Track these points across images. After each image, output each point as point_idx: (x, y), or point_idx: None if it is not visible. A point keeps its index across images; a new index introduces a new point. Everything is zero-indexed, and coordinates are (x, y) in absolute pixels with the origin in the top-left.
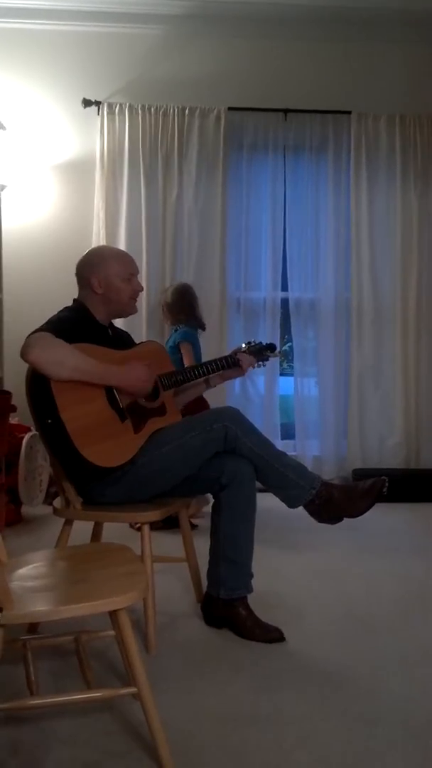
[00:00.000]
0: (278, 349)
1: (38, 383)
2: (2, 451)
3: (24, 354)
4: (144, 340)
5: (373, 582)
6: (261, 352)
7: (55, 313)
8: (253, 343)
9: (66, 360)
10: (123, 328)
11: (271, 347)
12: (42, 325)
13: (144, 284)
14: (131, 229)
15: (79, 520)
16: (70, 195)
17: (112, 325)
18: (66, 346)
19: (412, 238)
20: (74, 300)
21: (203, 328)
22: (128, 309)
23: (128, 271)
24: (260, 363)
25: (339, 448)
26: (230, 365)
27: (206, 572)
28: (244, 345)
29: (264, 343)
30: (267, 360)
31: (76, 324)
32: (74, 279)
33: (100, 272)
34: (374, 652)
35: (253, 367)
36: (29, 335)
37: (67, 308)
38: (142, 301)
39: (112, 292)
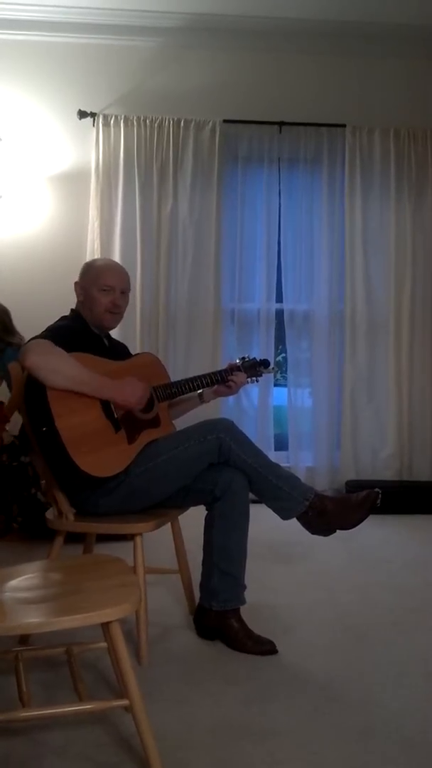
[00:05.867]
0: (272, 365)
1: (34, 391)
2: None
3: (22, 359)
4: (139, 352)
5: (366, 594)
6: (254, 367)
7: (50, 322)
8: (247, 359)
9: (63, 368)
10: (118, 339)
11: (264, 363)
12: (42, 332)
13: (137, 295)
14: (126, 240)
15: (71, 531)
16: (65, 206)
17: (108, 335)
18: (64, 354)
19: (406, 250)
20: (71, 309)
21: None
22: (103, 321)
23: (105, 282)
24: (253, 379)
25: (332, 460)
26: (223, 380)
27: (199, 584)
28: (238, 360)
29: (258, 359)
30: (260, 376)
31: (74, 333)
32: (68, 290)
33: (82, 280)
34: (368, 664)
35: (247, 383)
36: (28, 341)
37: (64, 317)
38: (136, 312)
39: (88, 300)
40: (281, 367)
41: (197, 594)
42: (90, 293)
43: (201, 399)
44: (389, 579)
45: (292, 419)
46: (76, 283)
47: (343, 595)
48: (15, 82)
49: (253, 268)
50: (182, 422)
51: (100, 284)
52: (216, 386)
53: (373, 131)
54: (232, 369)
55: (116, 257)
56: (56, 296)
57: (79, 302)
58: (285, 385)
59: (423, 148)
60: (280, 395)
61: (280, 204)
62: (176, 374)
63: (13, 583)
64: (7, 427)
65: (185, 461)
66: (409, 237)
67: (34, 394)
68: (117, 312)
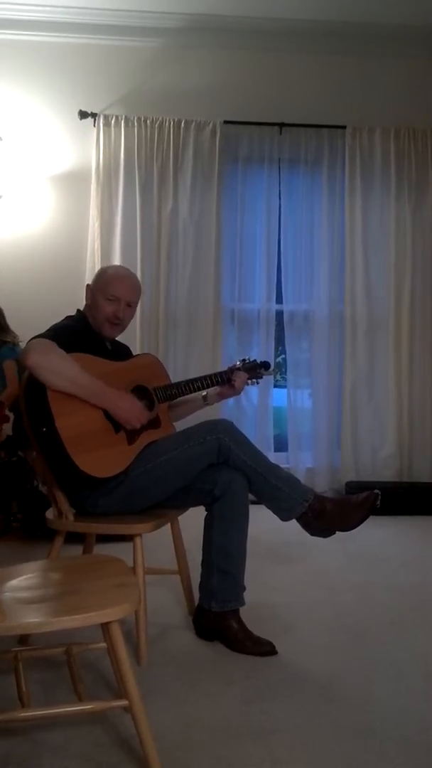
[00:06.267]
0: (272, 368)
1: (34, 390)
2: None
3: (23, 358)
4: (140, 353)
5: (365, 594)
6: (255, 369)
7: (50, 322)
8: (247, 361)
9: (64, 370)
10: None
11: (265, 365)
12: (44, 332)
13: None
14: (126, 240)
15: (71, 531)
16: (66, 206)
17: None
18: (65, 356)
19: (406, 250)
20: (78, 310)
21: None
22: (103, 329)
23: (112, 292)
24: (254, 380)
25: (332, 460)
26: (224, 381)
27: (198, 584)
28: (238, 362)
29: (258, 361)
30: (261, 378)
31: (76, 334)
32: (69, 289)
33: (93, 284)
34: (367, 664)
35: (248, 385)
36: (30, 340)
37: (69, 317)
38: (136, 312)
39: (93, 306)
40: (281, 368)
41: (197, 594)
42: (96, 299)
43: (205, 400)
44: (388, 579)
45: (291, 420)
46: (87, 286)
47: (343, 595)
48: (16, 82)
49: (253, 269)
50: (185, 423)
51: (107, 293)
52: (219, 388)
53: (373, 131)
54: (233, 370)
55: (116, 257)
56: (56, 296)
57: (87, 305)
58: (284, 387)
59: (423, 148)
60: (279, 396)
61: (280, 205)
62: (176, 374)
63: (13, 582)
64: (3, 426)
65: (185, 462)
66: (409, 237)
67: (34, 394)
68: (117, 323)
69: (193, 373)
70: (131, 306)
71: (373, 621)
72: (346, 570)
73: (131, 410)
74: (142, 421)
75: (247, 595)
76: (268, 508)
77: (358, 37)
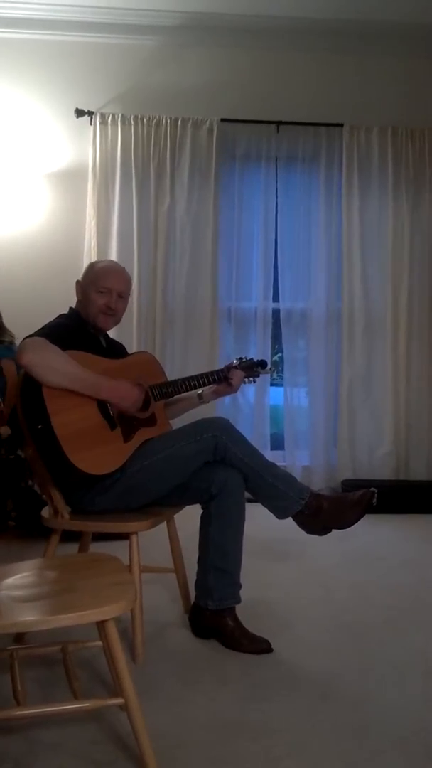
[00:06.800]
0: (269, 366)
1: (30, 388)
2: None
3: (18, 357)
4: (136, 351)
5: (361, 593)
6: (252, 368)
7: (47, 320)
8: (244, 359)
9: (59, 366)
10: (114, 338)
11: (262, 364)
12: (38, 330)
13: (134, 293)
14: (123, 238)
15: (67, 530)
16: (63, 204)
17: (106, 334)
18: (60, 352)
19: (403, 249)
20: (70, 308)
21: None
22: (96, 322)
23: (103, 284)
24: (251, 379)
25: (329, 459)
26: (221, 380)
27: (194, 582)
28: (235, 360)
29: (255, 360)
30: (258, 376)
31: (70, 331)
32: (65, 288)
33: (82, 279)
34: (363, 663)
35: (245, 383)
36: (24, 339)
37: (62, 315)
38: (133, 310)
39: (85, 300)
40: (278, 366)
41: (192, 593)
42: (87, 293)
43: (200, 399)
44: (385, 577)
45: (288, 418)
46: (77, 282)
47: (339, 593)
48: (12, 80)
49: (250, 267)
50: (181, 422)
51: (98, 285)
52: (215, 386)
53: (370, 130)
54: (230, 369)
55: (113, 255)
56: (53, 294)
57: (78, 301)
58: (281, 385)
59: (420, 147)
60: (276, 394)
61: (277, 203)
62: (173, 373)
63: (9, 581)
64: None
65: (181, 459)
66: (406, 235)
67: (29, 392)
68: (111, 314)
69: (191, 372)
70: (123, 297)
71: (370, 619)
72: (343, 568)
73: (129, 395)
74: (141, 397)
75: (243, 593)
76: (265, 506)
77: (356, 35)
